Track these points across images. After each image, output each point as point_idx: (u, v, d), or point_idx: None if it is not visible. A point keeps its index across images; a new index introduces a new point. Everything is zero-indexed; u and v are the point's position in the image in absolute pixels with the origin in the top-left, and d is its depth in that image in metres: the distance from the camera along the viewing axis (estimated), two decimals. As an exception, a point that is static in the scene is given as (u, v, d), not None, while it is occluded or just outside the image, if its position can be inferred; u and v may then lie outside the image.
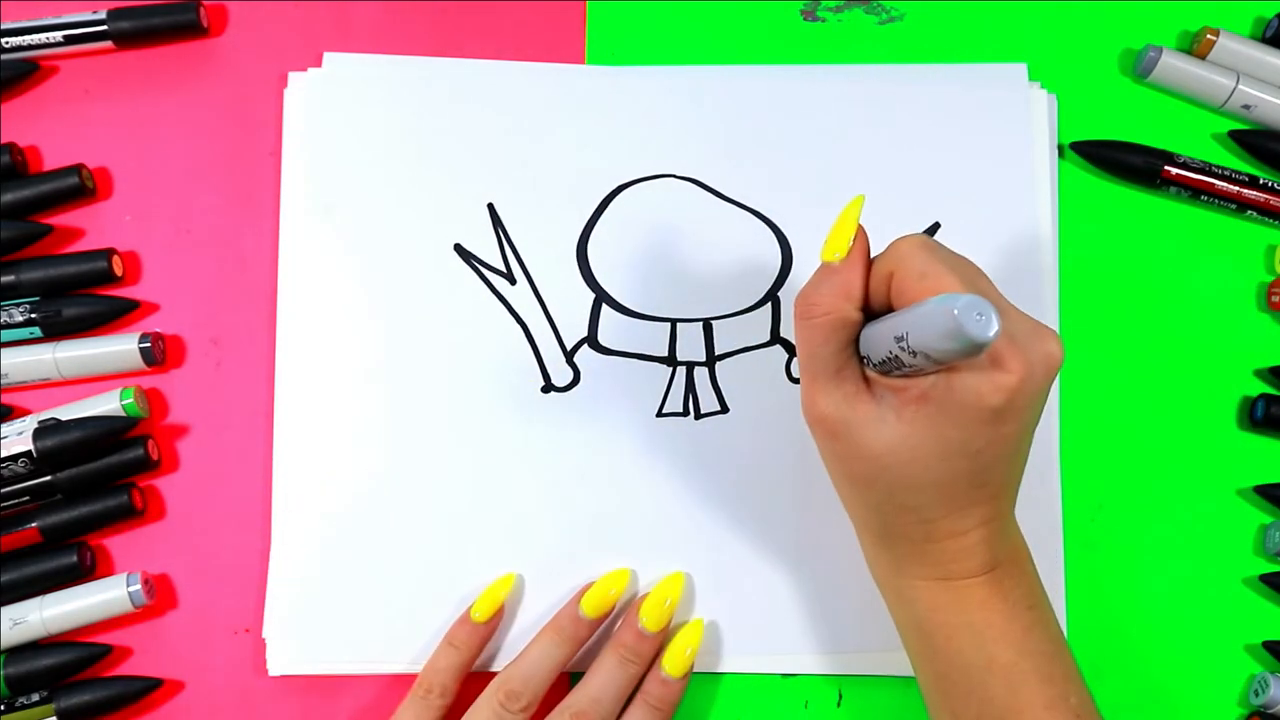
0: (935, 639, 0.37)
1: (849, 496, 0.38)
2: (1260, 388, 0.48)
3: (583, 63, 0.50)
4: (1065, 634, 0.39)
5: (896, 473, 0.34)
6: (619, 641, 0.43)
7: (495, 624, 0.44)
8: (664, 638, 0.43)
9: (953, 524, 0.36)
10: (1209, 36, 0.49)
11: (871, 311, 0.36)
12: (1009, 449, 0.34)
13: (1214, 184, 0.48)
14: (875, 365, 0.35)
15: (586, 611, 0.43)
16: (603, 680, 0.42)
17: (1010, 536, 0.38)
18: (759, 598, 0.45)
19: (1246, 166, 0.50)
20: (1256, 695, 0.46)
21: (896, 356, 0.33)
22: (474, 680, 0.43)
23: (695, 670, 0.45)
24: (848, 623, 0.45)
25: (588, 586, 0.44)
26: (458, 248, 0.47)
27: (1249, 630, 0.47)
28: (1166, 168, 0.48)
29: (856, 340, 0.35)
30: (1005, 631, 0.36)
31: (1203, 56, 0.50)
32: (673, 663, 0.43)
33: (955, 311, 0.29)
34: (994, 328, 0.29)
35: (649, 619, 0.43)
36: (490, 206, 0.48)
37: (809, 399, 0.36)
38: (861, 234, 0.35)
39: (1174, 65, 0.49)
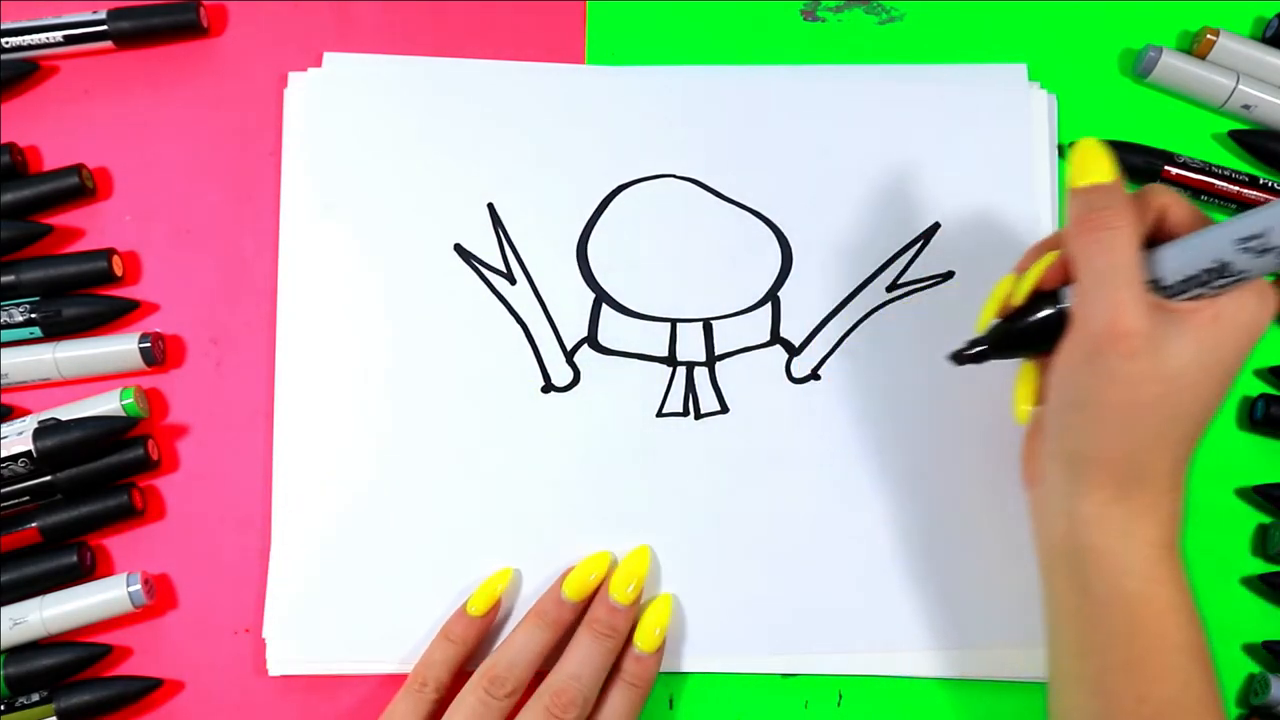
0: (1146, 614, 0.36)
1: (1113, 430, 0.35)
2: (1260, 388, 0.48)
3: (583, 63, 0.50)
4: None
5: (1187, 393, 0.34)
6: (593, 618, 0.43)
7: (492, 618, 0.44)
8: (636, 611, 0.44)
9: (1186, 459, 0.36)
10: (1209, 36, 0.49)
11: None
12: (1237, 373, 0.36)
13: (1214, 184, 0.48)
14: (1168, 286, 0.35)
15: (569, 594, 0.43)
16: (580, 656, 0.42)
17: None
18: (759, 597, 0.45)
19: (1246, 166, 0.50)
20: (1255, 695, 0.46)
21: (1223, 264, 0.34)
22: (467, 676, 0.43)
23: (695, 670, 0.45)
24: (848, 623, 0.45)
25: (569, 570, 0.44)
26: (458, 248, 0.47)
27: (1248, 630, 0.47)
28: (1166, 168, 0.48)
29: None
30: (1194, 610, 0.37)
31: (1203, 56, 0.50)
32: (644, 638, 0.43)
33: None
34: None
35: (619, 592, 0.43)
36: (490, 206, 0.48)
37: (1112, 316, 0.34)
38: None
39: (1174, 65, 0.49)
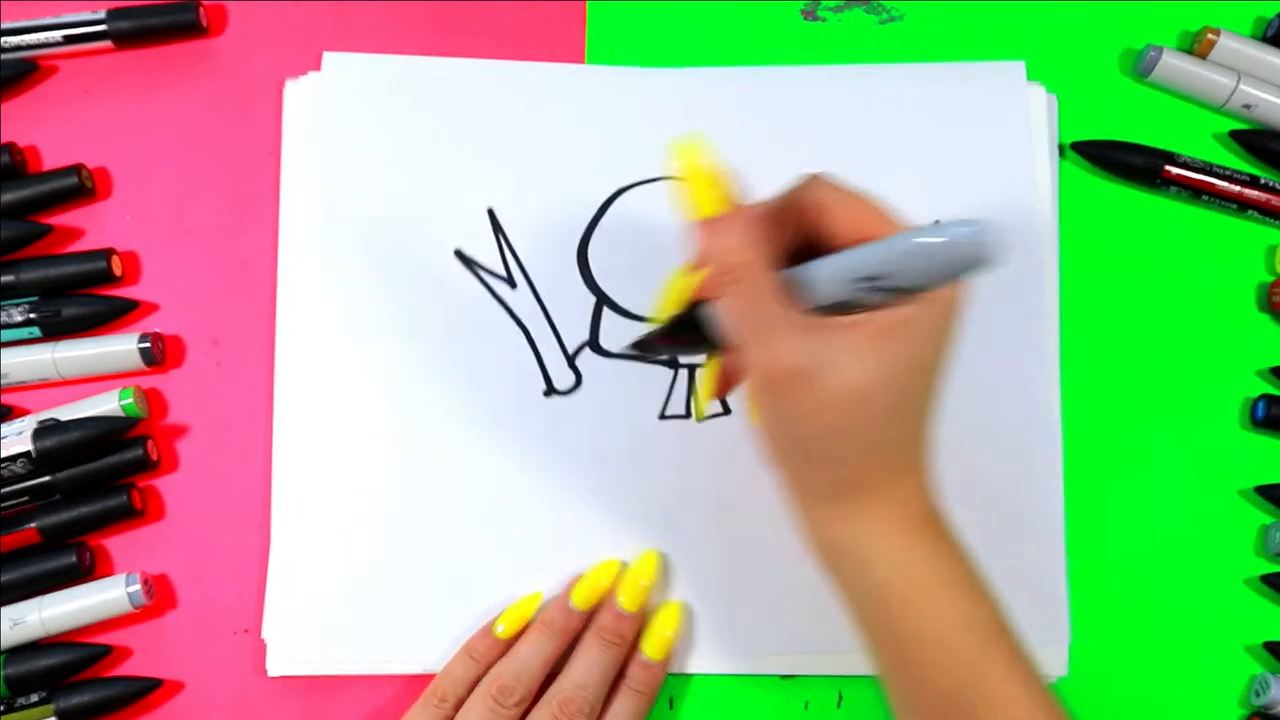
0: (904, 599, 0.35)
1: (809, 455, 0.35)
2: (1261, 388, 0.48)
3: (583, 63, 0.50)
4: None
5: (873, 406, 0.32)
6: (599, 625, 0.43)
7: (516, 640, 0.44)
8: (643, 618, 0.43)
9: (913, 456, 0.35)
10: (1209, 36, 0.49)
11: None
12: (948, 366, 0.34)
13: (1214, 184, 0.48)
14: (818, 309, 0.33)
15: (577, 603, 0.43)
16: (586, 664, 0.42)
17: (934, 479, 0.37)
18: (760, 598, 0.45)
19: (1247, 166, 0.50)
20: (1257, 695, 0.46)
21: (855, 300, 0.32)
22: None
23: (696, 671, 0.45)
24: (848, 623, 0.45)
25: (577, 579, 0.44)
26: (458, 253, 0.47)
27: (1249, 630, 0.47)
28: (1167, 168, 0.48)
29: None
30: (974, 583, 0.35)
31: (1203, 56, 0.50)
32: (652, 645, 0.43)
33: (985, 241, 0.28)
34: (1000, 245, 0.29)
35: (626, 599, 0.43)
36: (490, 211, 0.48)
37: (763, 359, 0.33)
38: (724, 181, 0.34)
39: (1174, 65, 0.49)
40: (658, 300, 0.44)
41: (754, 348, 0.33)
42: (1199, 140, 0.50)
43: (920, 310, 0.32)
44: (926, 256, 0.30)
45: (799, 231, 0.34)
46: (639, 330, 0.47)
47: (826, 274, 0.33)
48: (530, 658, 0.42)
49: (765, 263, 0.33)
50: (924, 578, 0.35)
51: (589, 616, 0.43)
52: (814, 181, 0.34)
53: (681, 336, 0.38)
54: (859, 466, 0.34)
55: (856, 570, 0.36)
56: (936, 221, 0.31)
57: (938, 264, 0.30)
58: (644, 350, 0.41)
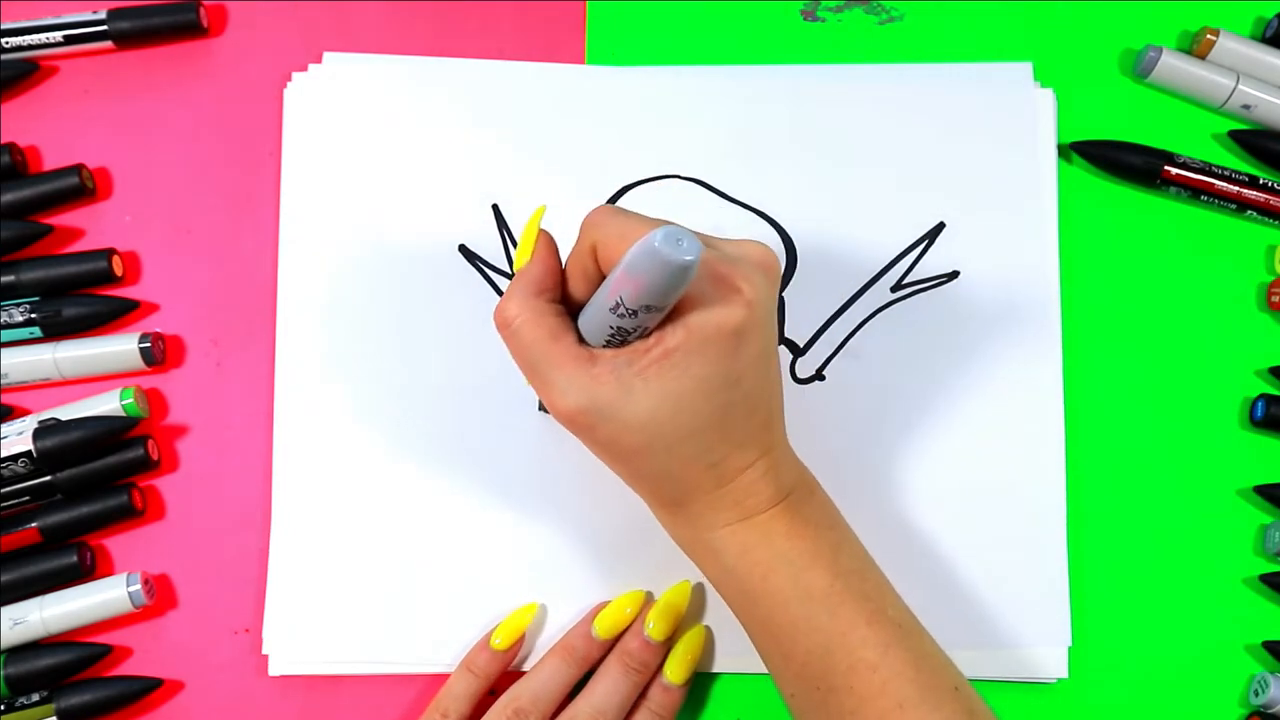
0: (751, 581, 0.37)
1: (632, 474, 0.37)
2: (1261, 387, 0.48)
3: (583, 63, 0.50)
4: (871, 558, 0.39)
5: (669, 430, 0.34)
6: (624, 650, 0.43)
7: (515, 651, 0.44)
8: (668, 646, 0.43)
9: (738, 459, 0.36)
10: (1209, 36, 0.49)
11: (580, 300, 0.36)
12: (762, 366, 0.35)
13: (1214, 184, 0.48)
14: (604, 345, 0.35)
15: (600, 633, 0.43)
16: (607, 689, 0.42)
17: (792, 463, 0.39)
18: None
19: (1246, 166, 0.50)
20: (1256, 695, 0.46)
21: (619, 327, 0.33)
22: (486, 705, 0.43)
23: (698, 670, 0.45)
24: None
25: (601, 606, 0.44)
26: (462, 248, 0.47)
27: (1249, 630, 0.47)
28: (1166, 168, 0.48)
29: (573, 330, 0.35)
30: (816, 556, 0.37)
31: (1203, 56, 0.50)
32: (675, 670, 0.43)
33: (656, 244, 0.29)
34: (697, 246, 0.29)
35: (656, 627, 0.43)
36: (495, 207, 0.48)
37: (551, 403, 0.35)
38: (544, 235, 0.36)
39: (1174, 65, 0.49)
40: None
41: (540, 392, 0.35)
42: (1198, 140, 0.50)
43: (690, 335, 0.33)
44: (630, 271, 0.31)
45: (589, 264, 0.35)
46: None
47: (594, 308, 0.34)
48: (548, 681, 0.42)
49: (532, 313, 0.35)
50: (764, 561, 0.37)
51: (609, 645, 0.43)
52: (591, 216, 0.35)
53: None
54: (675, 480, 0.36)
55: (707, 561, 0.38)
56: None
57: (641, 276, 0.31)
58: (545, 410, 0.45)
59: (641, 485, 0.38)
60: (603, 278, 0.35)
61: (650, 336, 0.34)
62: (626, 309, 0.32)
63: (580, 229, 0.35)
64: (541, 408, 0.46)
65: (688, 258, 0.29)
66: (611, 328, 0.33)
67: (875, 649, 0.36)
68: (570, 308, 0.37)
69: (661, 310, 0.32)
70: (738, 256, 0.34)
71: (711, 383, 0.34)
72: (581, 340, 0.35)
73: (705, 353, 0.33)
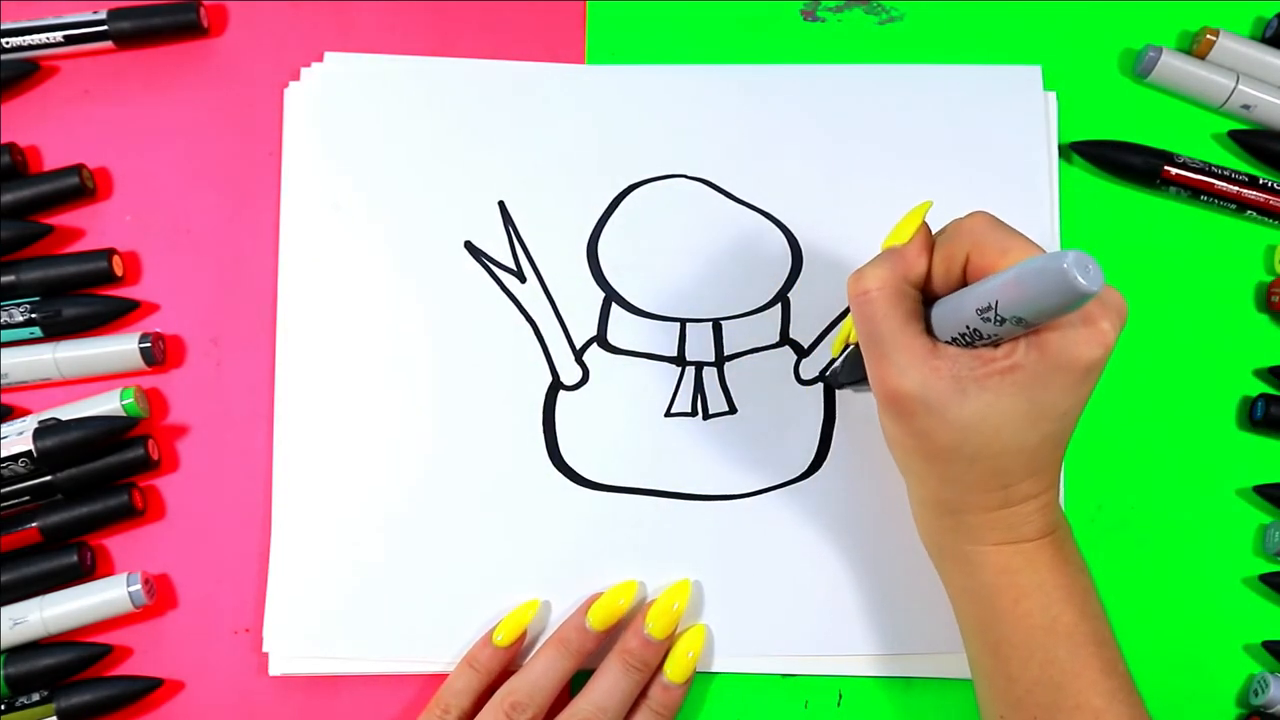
0: (1000, 601, 0.37)
1: (922, 471, 0.38)
2: (1260, 388, 0.48)
3: (583, 63, 0.50)
4: None
5: (984, 441, 0.34)
6: (624, 648, 0.43)
7: (517, 648, 0.44)
8: (669, 644, 0.43)
9: (1030, 487, 0.36)
10: (1209, 36, 0.49)
11: (934, 294, 0.36)
12: (1084, 406, 0.35)
13: (1214, 184, 0.48)
14: (949, 341, 0.35)
15: (594, 624, 0.43)
16: (607, 687, 0.42)
17: (1060, 502, 0.39)
18: (761, 598, 0.45)
19: (1246, 166, 0.50)
20: (1256, 695, 0.46)
21: (975, 329, 0.33)
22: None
23: (697, 669, 0.45)
24: (848, 623, 0.45)
25: (595, 598, 0.44)
26: (468, 245, 0.47)
27: (1249, 630, 0.47)
28: (1166, 168, 0.48)
29: (923, 319, 0.36)
30: (1070, 593, 0.37)
31: (1203, 56, 0.50)
32: (675, 668, 0.43)
33: (1065, 265, 0.29)
34: (1102, 278, 0.29)
35: (656, 626, 0.43)
36: (501, 204, 0.48)
37: (881, 378, 0.35)
38: (926, 228, 0.36)
39: (1174, 65, 0.49)
40: (835, 336, 0.46)
41: (873, 366, 0.36)
42: (1198, 140, 0.50)
43: (1043, 358, 0.33)
44: (1019, 283, 0.31)
45: (955, 264, 0.35)
46: (647, 326, 0.47)
47: (956, 304, 0.34)
48: (544, 674, 0.42)
49: (894, 290, 0.35)
50: (1021, 585, 0.37)
51: (604, 637, 0.43)
52: (969, 223, 0.36)
53: (854, 369, 0.41)
54: (964, 488, 0.36)
55: (960, 571, 0.39)
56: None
57: (1032, 291, 0.31)
58: (829, 383, 0.46)
59: (926, 483, 0.38)
60: (963, 281, 0.35)
61: (1000, 347, 0.34)
62: (997, 316, 0.32)
63: (951, 230, 0.36)
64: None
65: (1093, 288, 0.29)
66: (968, 328, 0.33)
67: (1103, 696, 0.36)
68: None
69: (1029, 327, 0.32)
70: (1103, 296, 0.34)
71: (1044, 411, 0.34)
72: (928, 330, 0.35)
73: (1051, 380, 0.33)
